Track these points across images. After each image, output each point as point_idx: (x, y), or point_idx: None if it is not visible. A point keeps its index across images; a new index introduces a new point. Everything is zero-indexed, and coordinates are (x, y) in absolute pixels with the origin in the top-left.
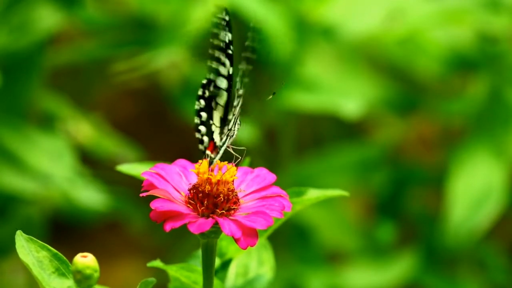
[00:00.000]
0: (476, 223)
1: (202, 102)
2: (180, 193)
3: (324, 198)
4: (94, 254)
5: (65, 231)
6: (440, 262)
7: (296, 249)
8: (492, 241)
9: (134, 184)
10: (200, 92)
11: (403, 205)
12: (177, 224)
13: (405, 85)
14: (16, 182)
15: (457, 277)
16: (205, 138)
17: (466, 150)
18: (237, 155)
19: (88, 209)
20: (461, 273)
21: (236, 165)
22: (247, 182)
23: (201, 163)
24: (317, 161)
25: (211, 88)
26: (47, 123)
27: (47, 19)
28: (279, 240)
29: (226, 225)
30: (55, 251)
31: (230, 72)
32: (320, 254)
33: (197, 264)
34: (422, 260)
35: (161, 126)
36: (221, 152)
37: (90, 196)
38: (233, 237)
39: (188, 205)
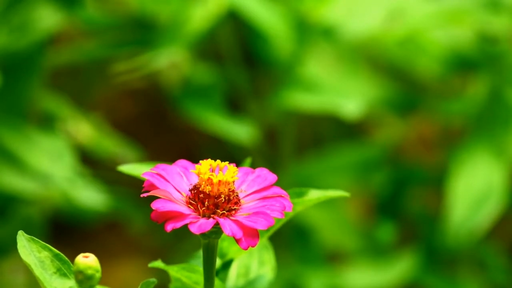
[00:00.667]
0: (476, 223)
1: None
2: (181, 193)
3: (325, 199)
4: (95, 254)
5: (65, 231)
6: (440, 262)
7: (296, 249)
8: (492, 241)
9: (135, 184)
10: None
11: (403, 205)
12: (178, 224)
13: (405, 85)
14: (16, 182)
15: (457, 277)
16: None
17: (466, 150)
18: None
19: (88, 209)
20: (461, 273)
21: (237, 166)
22: (248, 183)
23: (202, 163)
24: (317, 161)
25: None
26: (47, 123)
27: (47, 19)
28: (279, 241)
29: (227, 225)
30: (57, 251)
31: None
32: (320, 254)
33: (198, 264)
34: (422, 260)
35: (161, 126)
36: None
37: (90, 196)
38: (234, 237)
39: (189, 205)
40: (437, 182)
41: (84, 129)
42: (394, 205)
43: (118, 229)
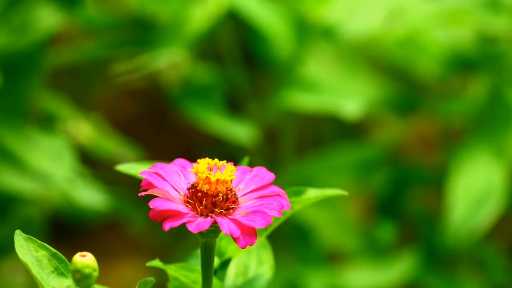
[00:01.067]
0: (476, 223)
1: None
2: (179, 192)
3: (323, 198)
4: (94, 254)
5: (65, 231)
6: (440, 262)
7: (296, 249)
8: (492, 241)
9: (134, 184)
10: None
11: (403, 205)
12: (176, 223)
13: (405, 85)
14: (16, 182)
15: (457, 277)
16: None
17: (466, 150)
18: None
19: (88, 209)
20: (461, 273)
21: (235, 164)
22: (245, 181)
23: (199, 162)
24: (317, 161)
25: None
26: (47, 123)
27: (47, 19)
28: (279, 240)
29: (225, 224)
30: (54, 250)
31: None
32: (320, 254)
33: (196, 263)
34: (422, 260)
35: (161, 126)
36: None
37: (90, 196)
38: (232, 236)
39: (187, 204)
40: (437, 182)
41: (84, 129)
42: (394, 205)
43: (118, 229)
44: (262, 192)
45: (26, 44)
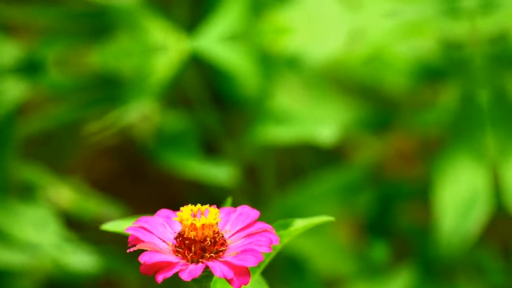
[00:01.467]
0: (467, 229)
1: None
2: (166, 243)
3: (311, 227)
4: None
5: None
6: (437, 273)
7: (291, 281)
8: (485, 245)
9: (122, 240)
10: None
11: (392, 222)
12: (168, 274)
13: (376, 103)
14: (4, 257)
15: (457, 285)
16: None
17: (447, 158)
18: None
19: (80, 273)
20: (460, 280)
21: (218, 206)
22: (231, 222)
23: (182, 210)
24: (300, 191)
25: None
26: (27, 193)
27: (12, 91)
28: (273, 275)
29: (217, 267)
30: None
31: None
32: (316, 283)
33: None
34: (419, 274)
35: (140, 180)
36: None
37: (80, 259)
38: (225, 278)
39: (177, 253)
40: (422, 194)
41: (65, 194)
42: (383, 224)
43: (112, 287)
44: (249, 230)
45: None
